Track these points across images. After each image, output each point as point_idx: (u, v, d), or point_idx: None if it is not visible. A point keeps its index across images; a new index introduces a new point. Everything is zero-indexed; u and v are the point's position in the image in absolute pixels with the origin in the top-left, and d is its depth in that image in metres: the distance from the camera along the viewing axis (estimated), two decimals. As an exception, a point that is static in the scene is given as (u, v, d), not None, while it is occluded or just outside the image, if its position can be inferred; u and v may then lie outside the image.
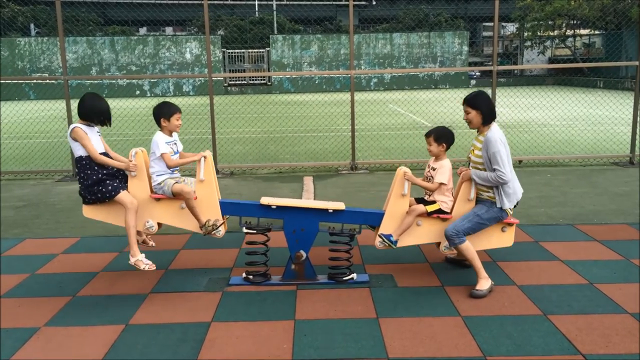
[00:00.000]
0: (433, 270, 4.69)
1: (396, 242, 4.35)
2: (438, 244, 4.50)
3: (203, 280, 4.55)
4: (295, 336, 3.61)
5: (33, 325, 3.81)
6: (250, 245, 4.51)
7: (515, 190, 4.26)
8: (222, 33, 37.85)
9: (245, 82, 36.47)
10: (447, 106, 16.68)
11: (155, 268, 4.24)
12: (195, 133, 14.24)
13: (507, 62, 42.20)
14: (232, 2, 42.91)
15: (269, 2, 40.20)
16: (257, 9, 41.42)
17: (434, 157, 4.48)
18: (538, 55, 39.93)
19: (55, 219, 6.54)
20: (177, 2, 39.56)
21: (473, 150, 4.37)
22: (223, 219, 4.44)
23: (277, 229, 4.44)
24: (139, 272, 4.61)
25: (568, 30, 38.96)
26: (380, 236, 4.37)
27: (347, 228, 4.48)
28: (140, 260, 4.17)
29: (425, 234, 4.44)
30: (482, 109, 4.22)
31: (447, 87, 36.10)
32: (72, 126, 4.26)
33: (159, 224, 4.50)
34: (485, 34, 44.65)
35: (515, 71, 40.21)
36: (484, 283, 4.18)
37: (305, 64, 36.43)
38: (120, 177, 4.33)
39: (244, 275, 4.48)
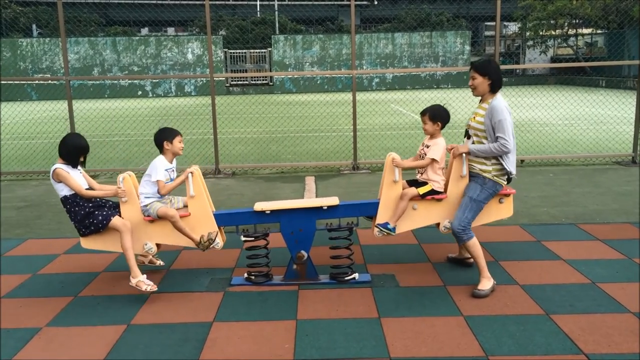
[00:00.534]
0: (435, 270, 4.68)
1: (394, 228, 4.33)
2: (437, 225, 4.49)
3: (205, 281, 4.54)
4: (297, 336, 3.60)
5: (35, 326, 3.82)
6: (250, 250, 4.50)
7: (514, 158, 4.22)
8: (224, 33, 37.86)
9: (247, 82, 36.47)
10: (450, 106, 16.64)
11: (156, 289, 4.22)
12: (197, 133, 14.25)
13: (509, 61, 42.14)
14: (233, 3, 42.96)
15: (271, 3, 40.21)
16: (258, 9, 41.45)
17: (428, 136, 4.46)
18: (540, 55, 39.88)
19: (57, 219, 6.55)
20: (178, 2, 39.61)
21: (474, 117, 4.30)
22: (218, 229, 4.41)
23: (275, 231, 4.43)
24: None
25: (570, 30, 38.92)
26: (377, 226, 4.36)
27: (345, 222, 4.48)
28: (141, 281, 4.17)
29: (422, 217, 4.43)
30: (492, 76, 4.17)
31: (449, 87, 36.05)
32: (53, 168, 4.25)
33: (158, 245, 4.50)
34: (487, 33, 44.60)
35: (518, 70, 40.15)
36: (486, 283, 4.17)
37: (307, 64, 36.42)
38: (108, 206, 4.35)
39: (245, 275, 4.48)
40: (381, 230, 4.34)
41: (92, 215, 4.21)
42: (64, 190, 4.24)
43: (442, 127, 4.40)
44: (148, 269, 4.62)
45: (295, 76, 35.55)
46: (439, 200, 4.37)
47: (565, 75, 37.65)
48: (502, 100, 4.19)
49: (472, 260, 4.53)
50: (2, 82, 31.76)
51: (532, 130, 13.67)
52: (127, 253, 4.17)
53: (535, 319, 3.77)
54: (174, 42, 35.95)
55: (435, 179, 4.35)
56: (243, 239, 4.43)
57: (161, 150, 4.43)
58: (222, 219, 4.44)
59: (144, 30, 42.82)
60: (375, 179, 8.47)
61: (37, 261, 5.09)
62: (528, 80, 38.26)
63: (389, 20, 41.09)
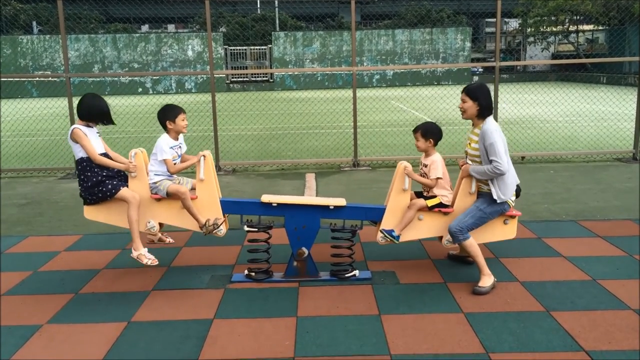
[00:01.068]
0: (435, 267, 4.69)
1: (398, 237, 4.34)
2: (440, 238, 4.49)
3: (205, 278, 4.55)
4: (298, 333, 3.61)
5: (36, 323, 3.82)
6: (252, 243, 4.51)
7: (512, 181, 4.22)
8: (224, 30, 37.81)
9: (247, 79, 36.45)
10: (450, 102, 16.63)
11: (157, 263, 4.25)
12: (197, 130, 14.24)
13: (510, 58, 42.08)
14: (234, -1, 42.88)
15: (271, -1, 40.16)
16: (259, 6, 41.37)
17: (424, 154, 4.47)
18: (542, 52, 39.81)
19: (58, 216, 6.55)
20: (179, -1, 39.52)
21: (470, 143, 4.34)
22: (224, 217, 4.44)
23: (278, 226, 4.43)
24: (141, 270, 4.62)
25: (571, 26, 38.85)
26: (381, 232, 4.36)
27: (349, 224, 4.48)
28: (142, 254, 4.19)
29: (427, 228, 4.43)
30: (481, 102, 4.18)
31: (450, 83, 36.00)
32: (71, 127, 4.26)
33: (160, 224, 4.50)
34: (487, 29, 44.56)
35: (518, 67, 40.12)
36: (487, 280, 4.17)
37: (308, 60, 36.38)
38: (119, 178, 4.34)
39: (246, 272, 4.48)
40: (385, 236, 4.35)
41: (102, 183, 4.20)
42: (80, 152, 4.22)
43: (435, 144, 4.42)
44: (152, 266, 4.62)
45: (296, 73, 35.51)
46: (446, 213, 4.37)
47: (566, 72, 37.62)
48: (493, 123, 4.19)
49: (472, 257, 4.53)
50: (3, 79, 31.76)
51: (533, 127, 13.65)
52: (132, 225, 4.17)
53: (536, 315, 3.77)
54: (175, 39, 35.91)
55: (443, 194, 4.37)
56: (246, 229, 4.43)
57: (165, 129, 4.42)
58: (228, 207, 4.45)
59: (144, 27, 42.78)
60: (375, 176, 8.47)
61: (38, 258, 5.09)
62: (529, 76, 38.23)
63: (390, 16, 41.06)
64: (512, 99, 18.72)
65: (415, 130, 4.46)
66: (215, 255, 5.04)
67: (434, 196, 4.37)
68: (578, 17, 37.32)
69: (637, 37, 30.69)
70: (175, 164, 4.41)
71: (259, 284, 4.39)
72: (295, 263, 4.41)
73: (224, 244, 5.25)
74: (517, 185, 4.34)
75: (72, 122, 8.93)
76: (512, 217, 4.43)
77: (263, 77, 36.98)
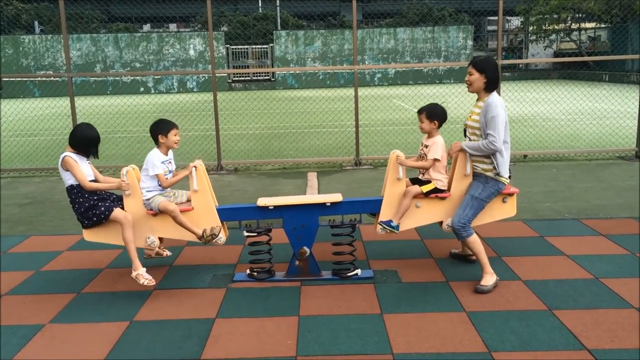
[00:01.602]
0: (437, 266, 4.68)
1: (397, 226, 4.33)
2: (440, 223, 4.49)
3: (207, 277, 4.55)
4: (300, 332, 3.60)
5: (38, 322, 3.83)
6: (253, 245, 4.51)
7: (507, 157, 4.17)
8: (226, 29, 37.83)
9: (249, 78, 36.45)
10: (452, 101, 16.63)
11: (154, 283, 4.23)
12: (199, 130, 14.25)
13: (512, 56, 42.00)
14: (235, -2, 42.85)
15: (273, -2, 40.14)
16: (260, 5, 41.37)
17: (426, 135, 4.45)
18: (545, 50, 39.73)
19: (60, 216, 6.56)
20: (180, -2, 39.52)
21: (471, 115, 4.29)
22: (222, 224, 4.41)
23: (278, 226, 4.43)
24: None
25: (573, 24, 38.76)
26: (380, 224, 4.35)
27: (348, 219, 4.47)
28: (140, 274, 4.18)
29: (425, 215, 4.42)
30: (488, 74, 4.15)
31: (452, 82, 35.94)
32: (62, 155, 4.23)
33: (160, 239, 4.49)
34: (489, 28, 44.47)
35: (520, 65, 40.03)
36: (489, 278, 4.16)
37: (309, 59, 36.37)
38: (111, 199, 4.34)
39: (248, 271, 4.48)
40: (384, 227, 4.34)
41: (95, 207, 4.21)
42: (70, 179, 4.22)
43: (439, 126, 4.40)
44: (153, 265, 4.62)
45: (297, 72, 35.50)
46: (443, 198, 4.36)
47: (568, 70, 37.53)
48: (498, 97, 4.17)
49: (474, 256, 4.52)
50: (4, 79, 31.81)
51: (535, 125, 13.63)
52: (128, 245, 4.18)
53: (538, 314, 3.76)
54: (176, 38, 35.92)
55: (438, 178, 4.34)
56: (246, 234, 4.43)
57: (157, 143, 4.41)
58: (225, 214, 4.44)
59: (146, 27, 42.79)
60: (377, 174, 8.46)
61: (40, 258, 5.09)
62: (531, 75, 38.15)
63: (391, 15, 41.02)
64: (514, 97, 18.69)
65: (420, 112, 4.42)
66: (217, 255, 5.04)
67: (429, 181, 4.35)
68: (580, 15, 37.23)
69: (639, 34, 30.60)
70: (167, 178, 4.39)
71: (260, 283, 4.39)
72: (297, 262, 4.41)
73: (226, 244, 5.23)
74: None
75: (74, 122, 8.94)
76: (510, 194, 4.41)
77: (265, 76, 36.99)
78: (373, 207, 4.45)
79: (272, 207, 4.34)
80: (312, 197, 4.56)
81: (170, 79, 35.09)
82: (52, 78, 31.75)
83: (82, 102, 19.82)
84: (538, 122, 14.45)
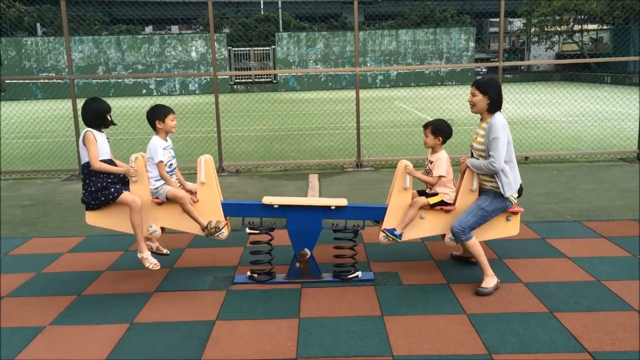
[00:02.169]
0: (438, 268, 4.67)
1: (400, 235, 4.33)
2: (443, 236, 4.49)
3: (208, 279, 4.55)
4: (300, 334, 3.60)
5: (39, 324, 3.83)
6: (254, 245, 4.51)
7: (514, 178, 4.20)
8: (228, 31, 37.89)
9: (251, 80, 36.49)
10: (454, 103, 16.61)
11: (159, 267, 4.27)
12: (201, 132, 14.27)
13: (514, 58, 41.98)
14: (237, 0, 42.94)
15: (274, 0, 40.19)
16: (262, 7, 41.44)
17: (430, 150, 4.47)
18: (547, 51, 39.71)
19: (62, 217, 6.57)
20: (182, 0, 39.62)
21: (476, 137, 4.32)
22: (225, 220, 4.43)
23: (280, 227, 4.43)
24: (144, 271, 4.62)
25: (575, 26, 38.74)
26: (383, 231, 4.35)
27: (351, 224, 4.47)
28: (146, 257, 4.21)
29: (429, 226, 4.42)
30: (491, 96, 4.17)
31: (454, 83, 35.95)
32: (84, 131, 4.24)
33: (162, 228, 4.50)
34: (491, 29, 44.49)
35: (522, 67, 40.03)
36: (490, 281, 4.16)
37: (311, 61, 36.41)
38: (122, 183, 4.35)
39: (248, 273, 4.48)
40: (387, 235, 4.34)
41: (106, 188, 4.21)
42: (87, 157, 4.22)
43: (444, 142, 4.41)
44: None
45: (299, 74, 35.54)
46: (448, 211, 4.36)
47: (570, 72, 37.52)
48: (501, 118, 4.17)
49: (476, 258, 4.51)
50: (7, 81, 31.88)
51: (537, 127, 13.62)
52: (136, 229, 4.19)
53: (539, 316, 3.75)
54: (178, 40, 35.99)
55: (445, 192, 4.36)
56: (248, 231, 4.43)
57: (155, 129, 4.41)
58: (229, 209, 4.44)
59: (148, 29, 42.85)
60: (378, 176, 8.46)
61: (42, 260, 5.10)
62: (533, 76, 38.14)
63: (393, 17, 41.04)
64: (515, 99, 18.68)
65: (425, 126, 4.44)
66: (217, 257, 5.04)
67: (436, 194, 4.36)
68: (582, 17, 37.22)
69: (641, 36, 30.59)
70: (171, 165, 4.39)
71: (261, 285, 4.38)
72: (297, 264, 4.41)
73: (227, 246, 5.25)
74: (520, 185, 4.33)
75: (77, 124, 8.96)
76: (515, 213, 4.41)
77: (266, 78, 37.03)
78: (377, 214, 4.45)
79: (277, 206, 4.34)
80: (317, 199, 4.56)
81: (172, 81, 35.15)
82: (54, 80, 31.82)
83: (84, 104, 19.78)
84: (540, 123, 14.44)
